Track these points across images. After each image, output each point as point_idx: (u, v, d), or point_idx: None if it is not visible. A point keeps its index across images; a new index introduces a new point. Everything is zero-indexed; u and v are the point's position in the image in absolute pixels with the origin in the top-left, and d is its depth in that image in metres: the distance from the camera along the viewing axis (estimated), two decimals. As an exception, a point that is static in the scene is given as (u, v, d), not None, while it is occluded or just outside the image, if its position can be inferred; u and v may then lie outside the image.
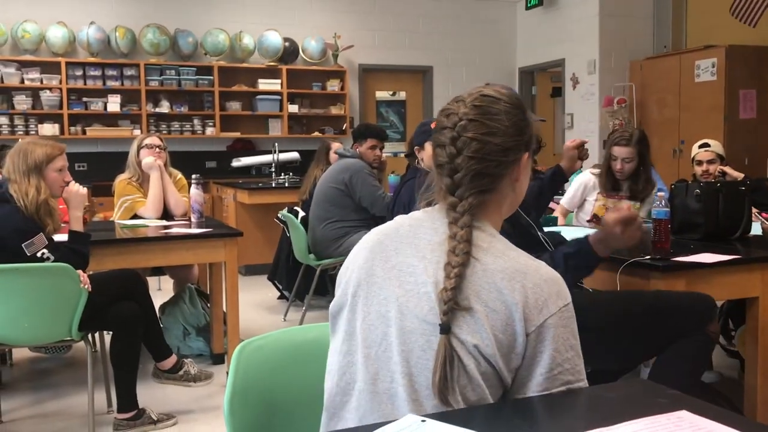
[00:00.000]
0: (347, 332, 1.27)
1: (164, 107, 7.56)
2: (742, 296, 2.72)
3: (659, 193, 2.91)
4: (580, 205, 3.77)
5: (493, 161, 1.24)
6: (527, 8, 8.60)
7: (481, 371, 1.15)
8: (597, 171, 3.71)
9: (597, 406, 1.16)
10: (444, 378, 1.14)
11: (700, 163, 3.88)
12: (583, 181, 3.77)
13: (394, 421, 1.09)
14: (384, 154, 4.89)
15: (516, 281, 1.17)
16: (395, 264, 1.24)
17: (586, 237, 2.15)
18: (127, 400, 3.04)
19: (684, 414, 1.11)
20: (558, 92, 8.92)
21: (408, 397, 1.18)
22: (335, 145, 5.24)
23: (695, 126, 7.01)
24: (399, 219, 1.33)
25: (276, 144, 7.06)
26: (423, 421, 1.10)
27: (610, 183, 3.58)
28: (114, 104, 7.37)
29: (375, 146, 4.69)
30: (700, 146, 3.95)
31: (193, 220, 3.99)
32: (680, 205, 3.08)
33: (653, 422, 1.08)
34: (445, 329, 1.14)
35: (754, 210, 3.21)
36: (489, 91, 1.29)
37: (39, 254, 2.80)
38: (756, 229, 3.16)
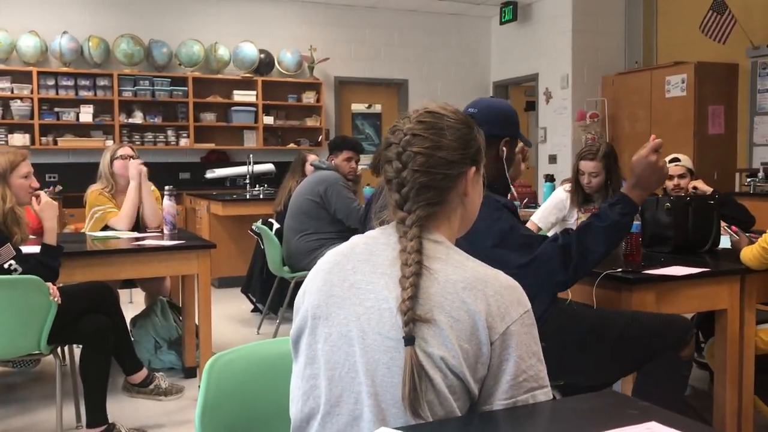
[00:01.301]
0: (309, 356, 1.26)
1: (138, 118, 7.50)
2: (711, 308, 2.76)
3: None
4: (560, 224, 3.77)
5: (439, 174, 1.26)
6: (501, 23, 8.70)
7: (448, 384, 1.15)
8: (569, 187, 3.75)
9: (567, 418, 1.17)
10: (414, 391, 1.13)
11: (671, 177, 3.93)
12: (559, 199, 3.79)
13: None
14: (360, 167, 4.90)
15: (477, 290, 1.18)
16: (353, 283, 1.24)
17: (620, 191, 2.18)
18: (97, 415, 2.99)
19: (653, 425, 1.12)
20: (532, 106, 9.02)
21: (374, 417, 1.17)
22: (311, 157, 5.23)
23: (666, 140, 7.03)
24: (354, 239, 1.34)
25: (251, 155, 7.03)
26: (395, 434, 1.10)
27: (581, 197, 3.62)
28: (86, 114, 7.29)
29: (351, 158, 4.69)
30: (671, 161, 4.00)
31: (165, 231, 3.95)
32: (651, 218, 3.12)
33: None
34: (409, 341, 1.14)
35: (723, 224, 3.27)
36: (434, 107, 1.31)
37: (6, 265, 2.75)
38: (725, 242, 3.21)
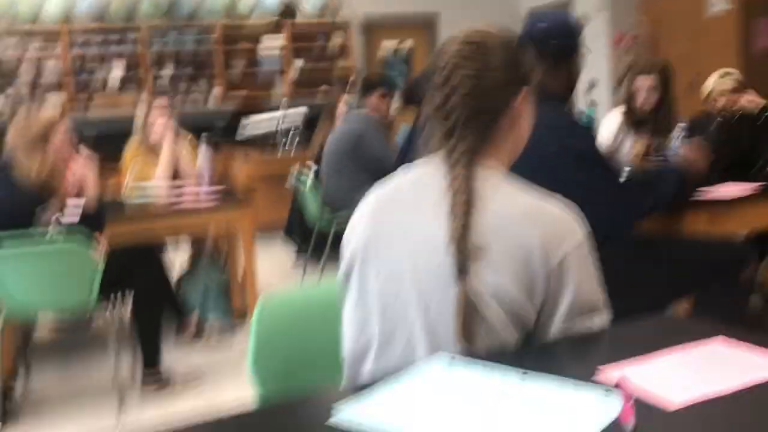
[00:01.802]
0: (360, 293, 1.24)
1: (169, 70, 7.48)
2: (766, 228, 2.67)
3: (680, 124, 2.84)
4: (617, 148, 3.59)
5: (489, 98, 1.20)
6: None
7: (503, 315, 1.12)
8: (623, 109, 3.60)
9: (630, 339, 1.13)
10: (466, 324, 1.11)
11: (723, 93, 3.71)
12: (617, 123, 3.63)
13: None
14: (394, 108, 4.79)
15: (531, 221, 1.13)
16: (401, 218, 1.21)
17: None
18: (153, 356, 3.06)
19: (720, 342, 1.08)
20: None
21: (428, 349, 1.15)
22: (344, 97, 5.15)
23: (709, 60, 6.83)
24: (402, 175, 1.29)
25: (285, 99, 6.97)
26: (452, 359, 1.08)
27: (632, 121, 3.43)
28: (118, 70, 7.30)
29: (384, 95, 4.58)
30: (722, 75, 3.78)
31: (202, 181, 3.94)
32: (701, 138, 3.00)
33: (688, 352, 1.06)
34: (462, 272, 1.11)
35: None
36: (482, 27, 1.25)
37: (53, 219, 2.79)
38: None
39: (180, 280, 4.08)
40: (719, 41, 6.90)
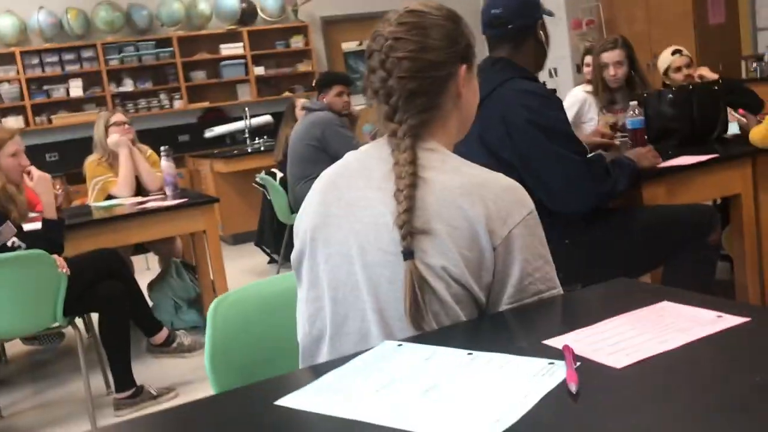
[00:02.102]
0: (311, 280, 1.23)
1: (128, 85, 7.40)
2: (724, 195, 2.71)
3: (632, 103, 2.87)
4: (576, 127, 3.66)
5: (427, 78, 1.18)
6: (484, -61, 8.38)
7: (452, 293, 1.12)
8: (589, 88, 3.66)
9: (577, 309, 1.13)
10: (415, 304, 1.10)
11: (678, 69, 3.78)
12: (578, 99, 3.69)
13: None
14: (357, 107, 4.79)
15: (475, 195, 1.12)
16: (349, 200, 1.20)
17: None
18: (124, 379, 3.01)
19: (666, 304, 1.09)
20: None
21: (381, 333, 1.15)
22: (300, 101, 5.12)
23: (666, 37, 6.91)
24: (347, 156, 1.28)
25: (247, 109, 6.94)
26: (399, 345, 1.07)
27: (607, 96, 3.52)
28: (76, 89, 7.20)
29: (342, 92, 4.55)
30: (673, 53, 3.85)
31: (168, 193, 3.91)
32: (654, 113, 3.03)
33: (634, 316, 1.06)
34: (408, 254, 1.10)
35: (730, 110, 3.17)
36: (415, 5, 1.23)
37: (9, 244, 2.74)
38: (734, 129, 3.12)
39: (150, 293, 4.03)
40: (674, 19, 6.99)
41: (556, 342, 0.98)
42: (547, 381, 0.87)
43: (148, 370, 3.37)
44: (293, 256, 1.28)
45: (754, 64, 5.88)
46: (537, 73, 2.32)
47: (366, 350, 1.06)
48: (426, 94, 1.19)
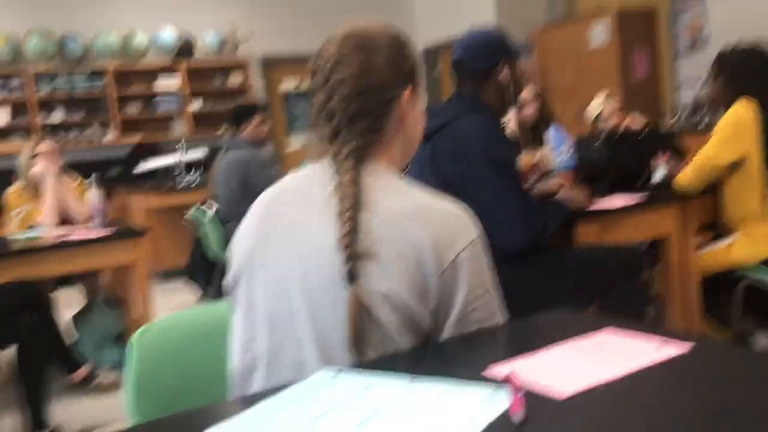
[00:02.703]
0: (246, 305, 1.18)
1: (58, 116, 7.17)
2: (654, 236, 2.78)
3: (568, 141, 2.94)
4: None
5: (370, 100, 1.16)
6: (424, -12, 8.60)
7: (395, 320, 1.08)
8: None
9: (518, 337, 1.11)
10: (358, 330, 1.06)
11: (608, 117, 3.92)
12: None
13: (305, 377, 1.01)
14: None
15: (421, 219, 1.09)
16: (289, 223, 1.15)
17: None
18: (38, 419, 2.83)
19: (607, 333, 1.08)
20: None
21: (319, 361, 1.09)
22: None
23: (593, 90, 7.16)
24: (287, 179, 1.24)
25: (182, 142, 6.80)
26: (335, 374, 1.02)
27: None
28: (2, 117, 6.93)
29: (263, 121, 4.45)
30: (603, 99, 3.99)
31: (94, 224, 3.76)
32: (586, 156, 3.12)
33: (576, 344, 1.04)
34: (351, 278, 1.06)
35: (657, 156, 3.28)
36: (359, 27, 1.21)
37: None
38: (659, 176, 3.23)
39: (73, 327, 3.84)
40: (602, 72, 7.28)
41: (499, 370, 0.96)
42: (490, 410, 0.84)
43: (66, 410, 3.18)
44: (228, 279, 1.22)
45: (676, 116, 6.16)
46: (502, 112, 2.42)
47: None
48: (369, 115, 1.16)
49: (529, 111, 3.55)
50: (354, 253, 1.07)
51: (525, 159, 3.60)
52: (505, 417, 0.82)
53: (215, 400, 1.38)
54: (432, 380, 0.94)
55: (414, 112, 1.24)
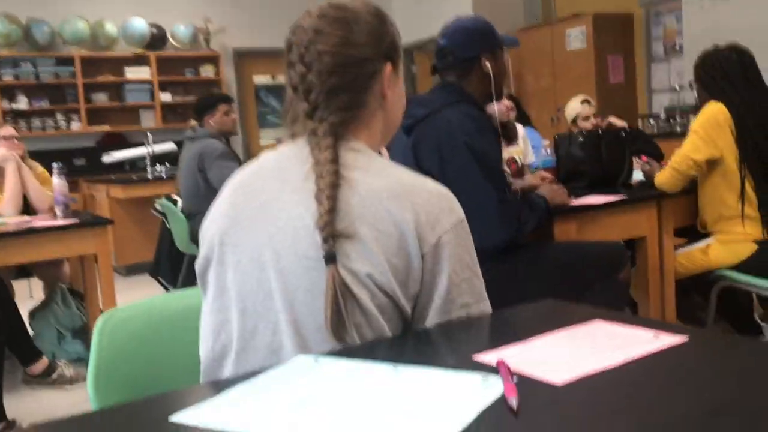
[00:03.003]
0: (217, 288, 1.11)
1: (22, 103, 6.98)
2: (631, 236, 2.75)
3: (545, 143, 2.91)
4: None
5: (350, 74, 1.10)
6: (400, -14, 8.57)
7: (376, 303, 1.02)
8: None
9: (506, 326, 1.06)
10: (337, 314, 0.99)
11: (587, 118, 3.93)
12: None
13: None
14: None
15: (404, 199, 1.04)
16: (263, 202, 1.09)
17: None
18: (-4, 411, 2.72)
19: (599, 323, 1.03)
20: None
21: (295, 346, 1.03)
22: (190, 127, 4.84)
23: (569, 93, 7.20)
24: (262, 156, 1.18)
25: (149, 135, 6.66)
26: (316, 359, 0.95)
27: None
28: (-37, 102, 6.73)
29: (228, 111, 4.34)
30: (582, 102, 3.99)
31: (58, 213, 3.63)
32: (565, 154, 3.08)
33: (569, 333, 0.99)
34: (330, 258, 1.00)
35: (635, 158, 3.27)
36: (338, 1, 1.15)
37: None
38: (638, 175, 3.22)
39: (31, 321, 3.71)
40: (577, 77, 7.32)
41: (488, 357, 0.90)
42: (483, 397, 0.78)
43: (22, 403, 3.05)
44: (198, 262, 1.15)
45: (651, 121, 6.20)
46: (486, 102, 2.37)
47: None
48: (348, 90, 1.11)
49: (503, 106, 3.52)
50: (333, 233, 1.01)
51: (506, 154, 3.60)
52: (499, 404, 0.76)
53: (182, 388, 1.31)
54: (417, 368, 0.87)
55: (395, 92, 1.18)
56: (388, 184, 1.06)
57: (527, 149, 3.66)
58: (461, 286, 1.06)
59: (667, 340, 0.93)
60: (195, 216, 4.21)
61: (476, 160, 2.12)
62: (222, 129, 4.29)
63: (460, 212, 1.09)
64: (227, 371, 1.09)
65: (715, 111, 2.59)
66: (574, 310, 1.11)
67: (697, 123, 2.63)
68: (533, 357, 0.90)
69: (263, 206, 1.09)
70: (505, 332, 1.03)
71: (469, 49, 2.28)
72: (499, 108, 3.49)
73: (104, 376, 1.29)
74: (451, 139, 2.15)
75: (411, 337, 1.03)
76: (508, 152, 3.55)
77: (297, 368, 0.93)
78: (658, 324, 0.99)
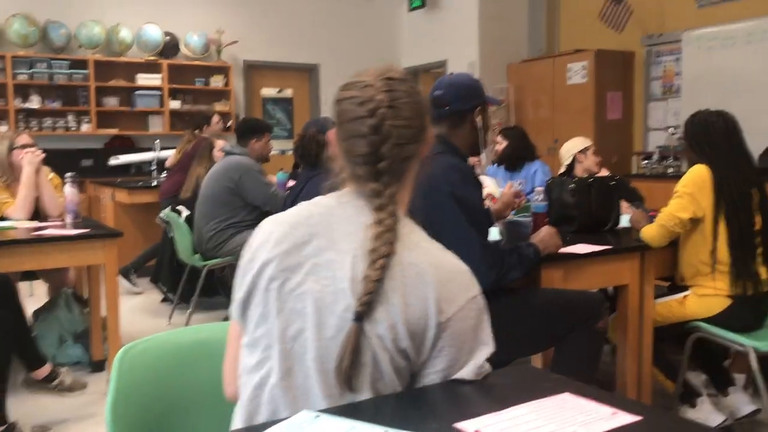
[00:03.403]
0: (262, 327, 1.20)
1: (35, 102, 7.12)
2: (615, 284, 2.90)
3: (537, 188, 3.05)
4: None
5: (413, 144, 1.23)
6: (410, 9, 8.75)
7: (395, 366, 1.16)
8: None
9: (487, 392, 1.20)
10: (352, 365, 1.12)
11: (593, 152, 4.10)
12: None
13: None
14: (273, 153, 4.86)
15: (432, 274, 1.17)
16: (309, 256, 1.19)
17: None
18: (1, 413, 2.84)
19: (567, 396, 1.17)
20: (441, 92, 9.12)
21: (322, 393, 1.16)
22: (219, 143, 5.11)
23: (568, 126, 7.39)
24: (307, 207, 1.25)
25: (157, 141, 6.81)
26: (317, 416, 1.09)
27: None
28: (-24, 99, 6.87)
29: (269, 140, 4.65)
30: (586, 149, 4.13)
31: (68, 220, 3.77)
32: (557, 199, 3.24)
33: (538, 405, 1.14)
34: (359, 318, 1.12)
35: (624, 204, 3.43)
36: (393, 73, 1.25)
37: None
38: (625, 222, 3.37)
39: (34, 322, 3.84)
40: (576, 111, 7.48)
41: (467, 426, 1.04)
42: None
43: (23, 406, 3.18)
44: (239, 300, 1.23)
45: (645, 161, 6.38)
46: (470, 155, 2.51)
47: (297, 412, 1.08)
48: (409, 158, 1.24)
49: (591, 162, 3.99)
50: (372, 295, 1.13)
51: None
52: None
53: (195, 424, 1.45)
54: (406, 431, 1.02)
55: (428, 150, 1.31)
56: (422, 258, 1.18)
57: (494, 187, 4.01)
58: (460, 360, 1.19)
59: (625, 418, 1.08)
60: (211, 221, 4.37)
61: (460, 208, 2.26)
62: (262, 154, 4.56)
63: (476, 289, 1.22)
64: (262, 400, 1.19)
65: (701, 173, 2.75)
66: (548, 378, 1.26)
67: (682, 183, 2.78)
68: (507, 427, 1.05)
69: (310, 260, 1.18)
70: (484, 399, 1.17)
71: (463, 102, 2.43)
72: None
73: (122, 405, 1.42)
74: (436, 188, 2.28)
75: (401, 400, 1.18)
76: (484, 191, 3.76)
77: (299, 424, 1.07)
78: (620, 402, 1.13)
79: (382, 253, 1.14)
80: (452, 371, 1.19)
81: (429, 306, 1.15)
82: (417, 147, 1.25)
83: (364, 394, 1.15)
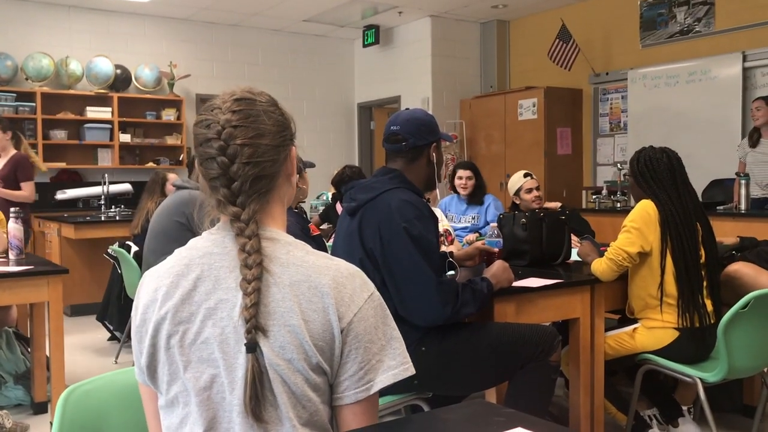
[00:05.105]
0: (175, 385, 1.18)
1: (-23, 135, 6.92)
2: (566, 317, 2.93)
3: (492, 224, 3.09)
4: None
5: (268, 162, 1.22)
6: (364, 46, 8.86)
7: (312, 385, 1.14)
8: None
9: (438, 429, 1.19)
10: (255, 397, 1.11)
11: (529, 191, 4.18)
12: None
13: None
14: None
15: (323, 284, 1.16)
16: (200, 303, 1.17)
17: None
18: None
19: (520, 431, 1.17)
20: (395, 127, 9.21)
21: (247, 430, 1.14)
22: (172, 177, 5.04)
23: (519, 161, 7.53)
24: (186, 253, 1.23)
25: (106, 175, 6.69)
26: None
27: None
28: None
29: None
30: (525, 175, 4.24)
31: (11, 257, 3.66)
32: (509, 233, 3.27)
33: (492, 441, 1.13)
34: (251, 348, 1.11)
35: (573, 238, 3.49)
36: (241, 93, 1.26)
37: None
38: (575, 255, 3.42)
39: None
40: (527, 146, 7.64)
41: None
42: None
43: (-42, 453, 3.04)
44: (143, 361, 1.21)
45: (594, 196, 6.53)
46: (426, 190, 2.53)
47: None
48: (266, 176, 1.22)
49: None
50: (256, 325, 1.12)
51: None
52: None
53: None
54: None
55: (293, 172, 1.30)
56: (307, 272, 1.17)
57: (445, 221, 4.10)
58: (383, 352, 1.18)
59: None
60: (160, 257, 4.26)
61: (414, 244, 2.27)
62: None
63: (371, 286, 1.22)
64: None
65: (647, 208, 2.82)
66: (501, 413, 1.25)
67: (630, 218, 2.85)
68: (459, 464, 1.04)
69: (202, 306, 1.17)
70: (437, 435, 1.17)
71: (420, 138, 2.45)
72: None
73: (65, 448, 1.37)
74: (390, 223, 2.29)
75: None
76: (440, 226, 3.80)
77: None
78: (569, 434, 1.13)
79: (251, 278, 1.13)
80: (366, 373, 1.17)
81: (329, 315, 1.15)
82: (275, 164, 1.24)
83: (285, 424, 1.13)
